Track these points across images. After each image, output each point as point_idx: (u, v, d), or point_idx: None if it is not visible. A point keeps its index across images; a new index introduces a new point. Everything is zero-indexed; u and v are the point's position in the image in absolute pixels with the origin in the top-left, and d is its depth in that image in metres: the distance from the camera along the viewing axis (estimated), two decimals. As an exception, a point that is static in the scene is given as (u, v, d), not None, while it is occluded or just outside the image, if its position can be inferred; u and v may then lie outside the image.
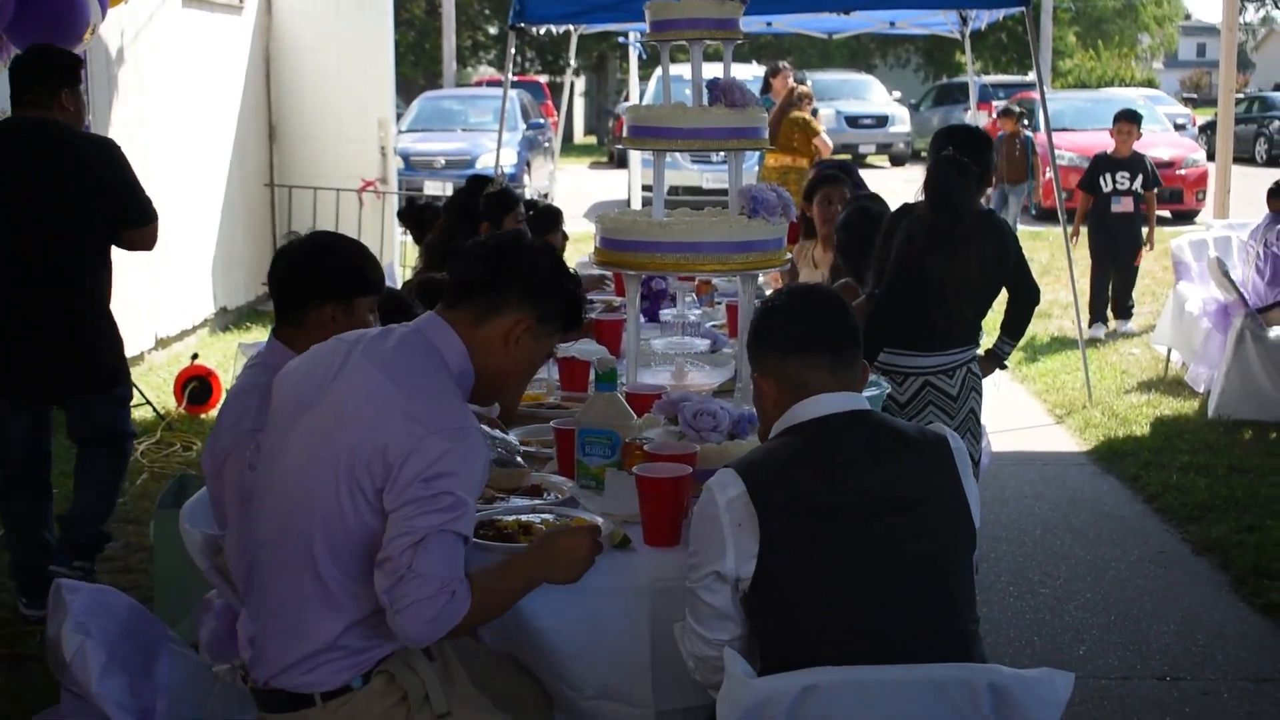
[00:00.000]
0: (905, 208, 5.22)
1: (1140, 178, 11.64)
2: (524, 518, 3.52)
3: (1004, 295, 5.52)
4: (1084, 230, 11.97)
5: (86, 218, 5.54)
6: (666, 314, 4.87)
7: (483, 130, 21.67)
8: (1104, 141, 19.57)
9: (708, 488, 2.94)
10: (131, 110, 9.82)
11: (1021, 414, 9.25)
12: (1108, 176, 11.63)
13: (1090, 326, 11.34)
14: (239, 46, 12.16)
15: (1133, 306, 11.97)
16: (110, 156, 5.66)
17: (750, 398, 4.43)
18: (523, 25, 10.57)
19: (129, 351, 9.70)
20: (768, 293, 6.55)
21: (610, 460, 3.68)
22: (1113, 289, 11.85)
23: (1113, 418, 8.89)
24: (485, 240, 3.24)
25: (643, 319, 6.07)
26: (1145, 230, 11.89)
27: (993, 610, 5.77)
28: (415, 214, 7.49)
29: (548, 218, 7.13)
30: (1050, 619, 5.72)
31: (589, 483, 3.71)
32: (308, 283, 3.70)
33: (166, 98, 10.52)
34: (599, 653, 3.30)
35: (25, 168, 5.45)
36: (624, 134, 4.53)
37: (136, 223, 5.74)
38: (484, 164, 19.23)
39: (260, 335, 10.39)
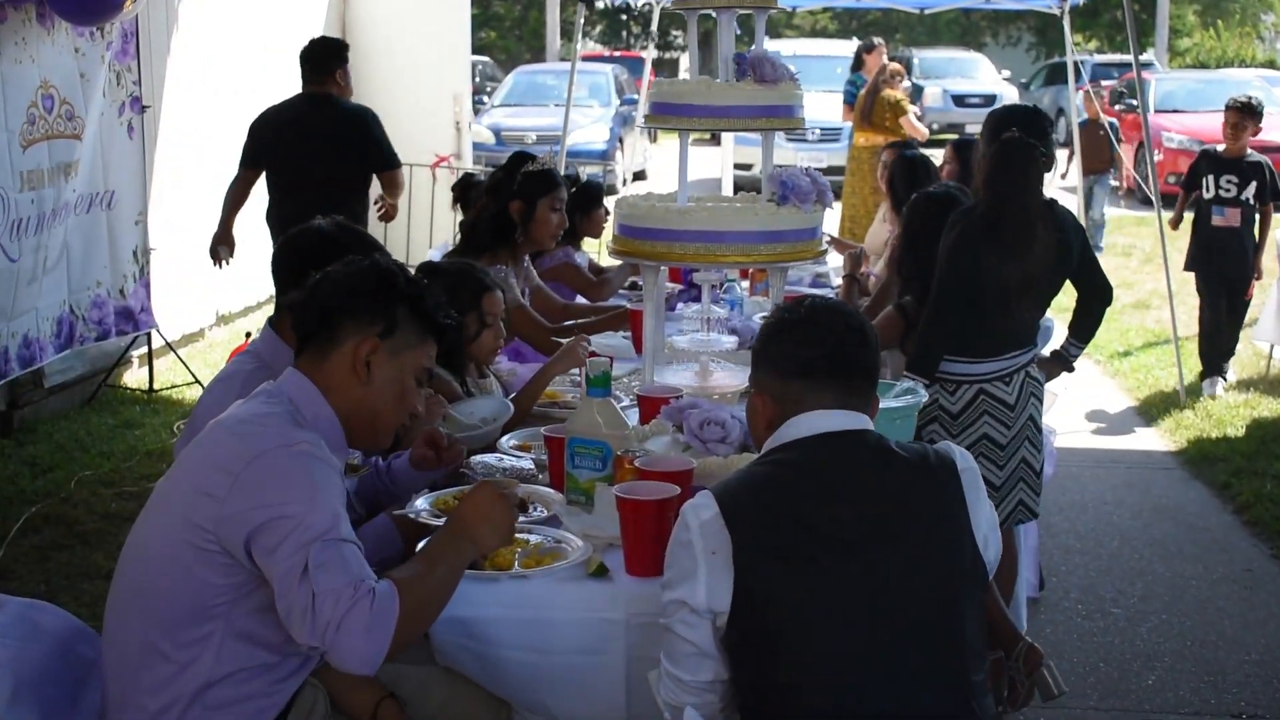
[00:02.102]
0: (968, 206, 4.74)
1: (1254, 185, 8.85)
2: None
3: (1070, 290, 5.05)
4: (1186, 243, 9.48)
5: (348, 165, 7.49)
6: (692, 309, 4.47)
7: (578, 106, 21.36)
8: (1215, 125, 18.94)
9: (683, 510, 2.64)
10: (196, 82, 9.58)
11: (1109, 410, 8.74)
12: (1210, 179, 8.95)
13: (1204, 380, 9.07)
14: (314, 19, 11.89)
15: (1229, 359, 9.23)
16: (366, 121, 7.62)
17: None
18: (593, -3, 10.15)
19: (189, 328, 9.64)
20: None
21: (601, 474, 3.32)
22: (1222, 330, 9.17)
23: (1206, 418, 8.34)
24: (309, 283, 2.96)
25: (681, 306, 5.69)
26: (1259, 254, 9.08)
27: (1058, 631, 5.34)
28: (465, 191, 7.15)
29: (588, 194, 6.73)
30: (1119, 643, 5.26)
31: (578, 498, 3.35)
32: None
33: (236, 70, 10.26)
34: (571, 688, 2.98)
35: (311, 129, 7.48)
36: (647, 112, 4.15)
37: (383, 169, 7.64)
38: (574, 141, 18.91)
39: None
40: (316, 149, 7.43)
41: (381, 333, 2.84)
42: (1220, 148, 9.09)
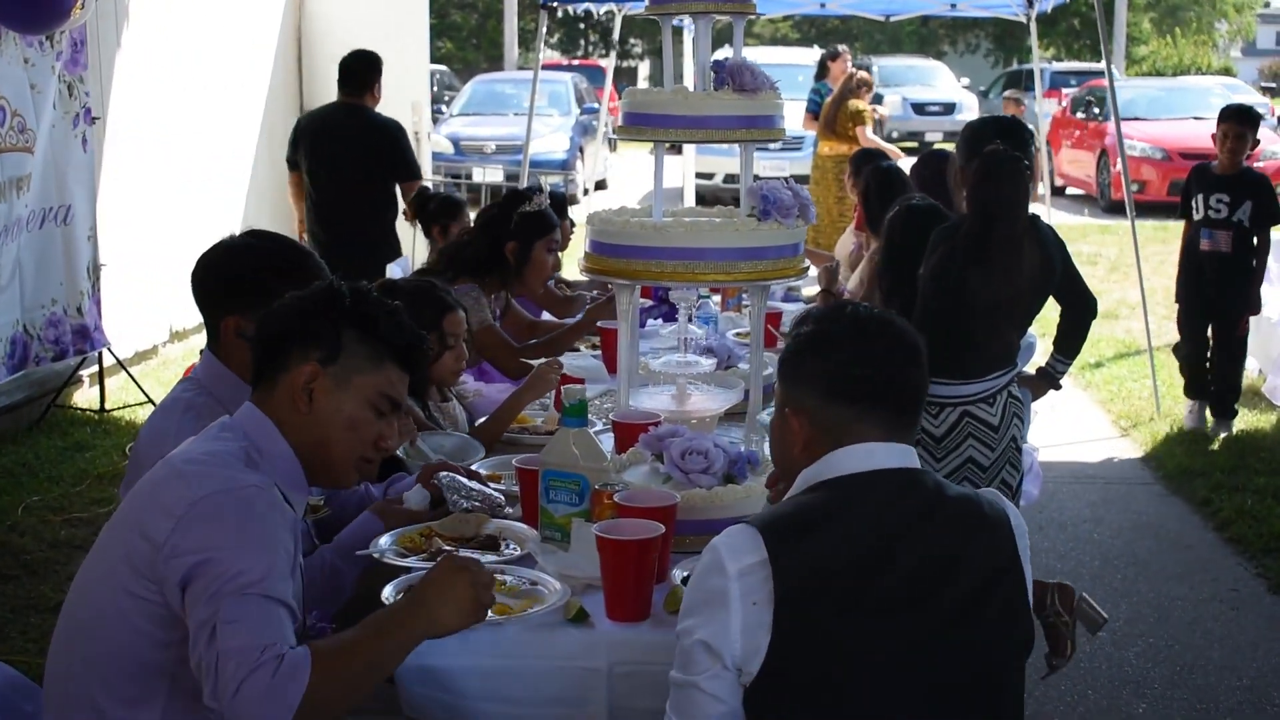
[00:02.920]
0: (955, 221, 4.56)
1: (1248, 205, 7.76)
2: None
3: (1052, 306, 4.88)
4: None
5: (380, 172, 8.26)
6: (668, 328, 4.27)
7: (538, 115, 21.14)
8: (1177, 133, 19.04)
9: (714, 549, 2.30)
10: (145, 92, 9.32)
11: (1084, 425, 8.59)
12: (1200, 199, 7.92)
13: (1191, 409, 8.32)
14: (269, 27, 11.65)
15: (1237, 399, 8.29)
16: (394, 134, 8.39)
17: (759, 428, 3.88)
18: (554, 4, 9.95)
19: (142, 344, 9.37)
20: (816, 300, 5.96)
21: (577, 509, 3.12)
22: (1213, 366, 8.18)
23: (1182, 431, 8.20)
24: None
25: (651, 323, 5.50)
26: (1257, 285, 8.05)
27: (1040, 656, 5.15)
28: (422, 204, 6.95)
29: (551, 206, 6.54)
30: (1107, 669, 5.10)
31: (553, 534, 3.15)
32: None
33: (187, 81, 10.02)
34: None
35: (344, 137, 8.25)
36: (619, 123, 3.96)
37: (406, 179, 8.28)
38: (535, 150, 18.69)
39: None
40: (352, 157, 8.24)
41: (323, 358, 2.62)
42: (1214, 163, 8.02)
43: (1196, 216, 7.95)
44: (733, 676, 2.26)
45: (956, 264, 4.35)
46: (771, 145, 19.84)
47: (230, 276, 3.23)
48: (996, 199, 4.33)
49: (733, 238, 3.70)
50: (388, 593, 2.83)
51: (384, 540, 3.15)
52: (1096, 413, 8.91)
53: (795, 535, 2.29)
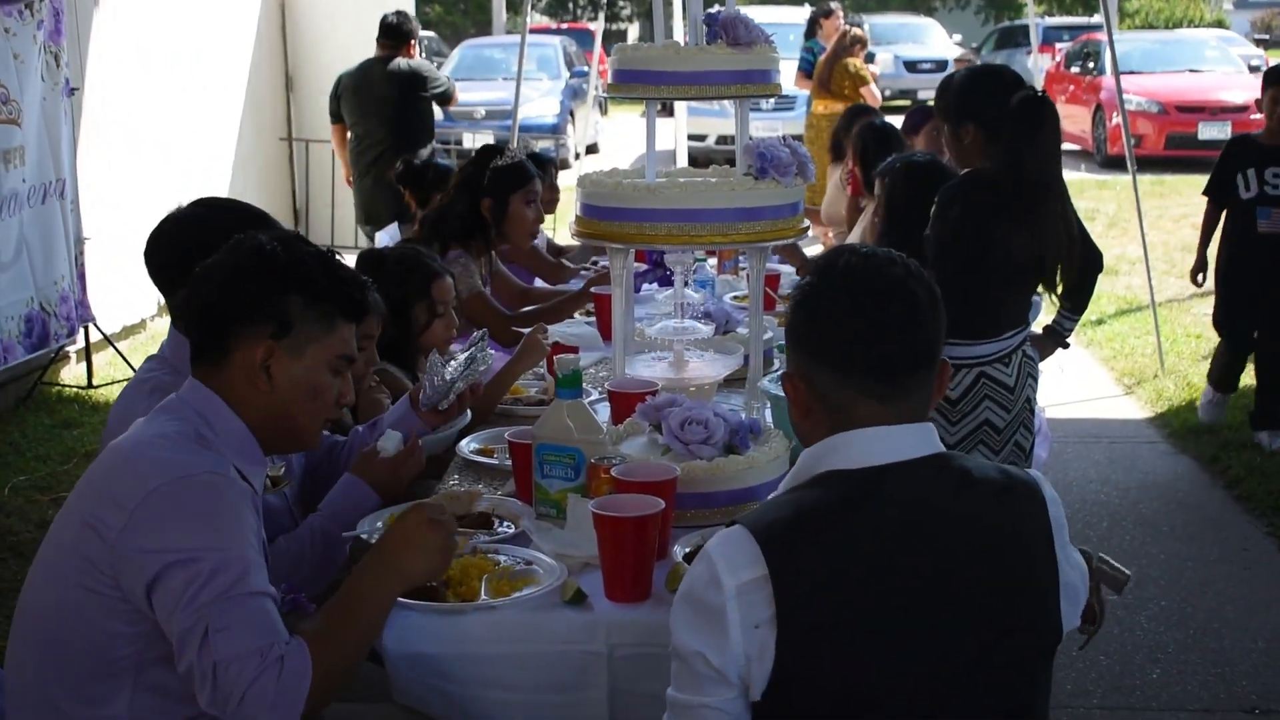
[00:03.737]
0: (971, 174, 4.37)
1: None
2: (464, 554, 2.82)
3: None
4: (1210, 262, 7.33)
5: (410, 117, 9.25)
6: (663, 293, 4.12)
7: (527, 79, 20.94)
8: (1173, 86, 18.84)
9: (709, 559, 2.06)
10: (123, 60, 9.14)
11: (1087, 383, 8.46)
12: (1251, 174, 6.87)
13: (1213, 399, 7.38)
14: (249, -9, 11.49)
15: None
16: (428, 73, 9.44)
17: (759, 395, 3.75)
18: (541, -35, 9.80)
19: (130, 319, 9.22)
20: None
21: (573, 484, 2.99)
22: (1258, 368, 7.14)
23: (1187, 388, 8.07)
24: (190, 281, 2.59)
25: (646, 288, 5.36)
26: None
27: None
28: (414, 175, 6.77)
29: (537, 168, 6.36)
30: (1119, 634, 4.98)
31: (549, 510, 3.02)
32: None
33: (166, 48, 9.84)
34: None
35: (384, 86, 9.16)
36: (609, 80, 3.81)
37: (444, 102, 9.65)
38: (525, 114, 18.49)
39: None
40: (391, 106, 9.16)
41: (275, 332, 2.48)
42: (1256, 134, 7.13)
43: (1246, 194, 6.89)
44: (738, 692, 2.04)
45: (978, 217, 4.16)
46: (764, 105, 19.69)
47: (182, 249, 3.07)
48: (1046, 149, 4.17)
49: (729, 198, 3.56)
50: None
51: (371, 521, 3.02)
52: (1099, 370, 8.78)
53: (799, 544, 2.04)
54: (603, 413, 3.74)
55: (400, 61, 9.24)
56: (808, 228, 3.86)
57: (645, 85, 3.66)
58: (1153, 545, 5.85)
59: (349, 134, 9.44)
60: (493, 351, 3.60)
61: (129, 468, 2.35)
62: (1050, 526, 2.16)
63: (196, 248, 3.02)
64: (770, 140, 3.69)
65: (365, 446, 3.27)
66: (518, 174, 5.37)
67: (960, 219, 4.19)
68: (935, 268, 4.20)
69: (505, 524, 3.06)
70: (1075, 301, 4.78)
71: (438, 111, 18.81)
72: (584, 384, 4.20)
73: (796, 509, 2.11)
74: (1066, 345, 4.89)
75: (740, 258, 5.79)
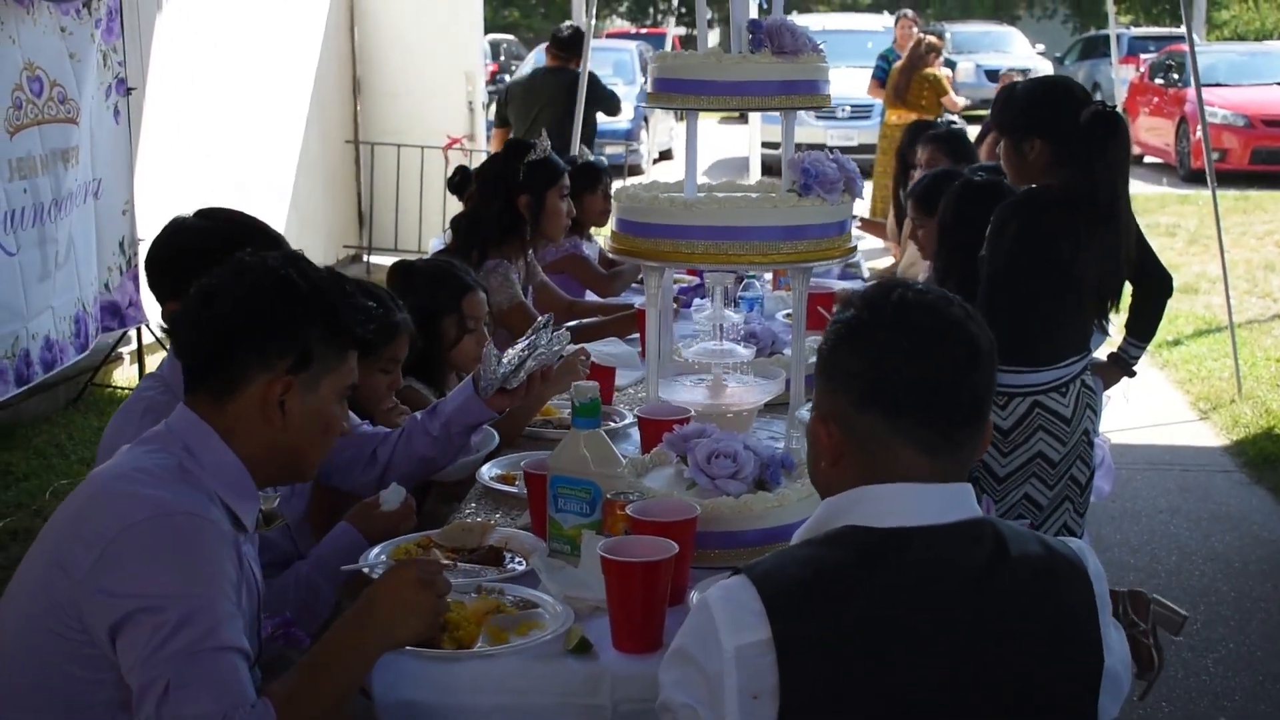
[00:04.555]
0: (1032, 191, 4.13)
1: None
2: (470, 595, 2.65)
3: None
4: None
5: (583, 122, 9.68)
6: (701, 313, 3.90)
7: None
8: (1261, 99, 18.30)
9: (707, 611, 1.88)
10: (184, 62, 9.06)
11: (1160, 407, 8.15)
12: None
13: None
14: (319, -5, 11.40)
15: None
16: (591, 85, 9.78)
17: (799, 424, 3.54)
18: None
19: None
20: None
21: (588, 520, 2.81)
22: None
23: (1265, 414, 7.76)
24: (190, 295, 2.40)
25: (697, 303, 5.15)
26: None
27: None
28: (467, 183, 6.61)
29: (584, 175, 6.16)
30: (1183, 676, 4.72)
31: (562, 546, 2.84)
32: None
33: (228, 50, 9.75)
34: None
35: (552, 94, 9.75)
36: (648, 89, 3.62)
37: (611, 111, 10.41)
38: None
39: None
40: (559, 113, 9.53)
41: (293, 366, 2.31)
42: None
43: None
44: None
45: (1041, 234, 3.92)
46: (840, 114, 19.41)
47: (184, 259, 2.92)
48: (1116, 167, 3.95)
49: (770, 215, 3.37)
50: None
51: (375, 552, 2.85)
52: (1173, 394, 8.48)
53: (809, 608, 1.85)
54: (635, 439, 3.57)
55: (570, 71, 9.82)
56: (854, 248, 3.65)
57: (684, 95, 3.47)
58: (1223, 582, 5.58)
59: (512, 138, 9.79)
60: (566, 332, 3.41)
61: (102, 503, 2.20)
62: (1095, 606, 1.95)
63: (199, 257, 2.87)
64: (816, 154, 3.49)
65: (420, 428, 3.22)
66: (552, 169, 5.22)
67: (1017, 239, 3.96)
68: (988, 290, 4.01)
69: (516, 560, 2.88)
70: (1142, 329, 4.54)
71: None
72: (621, 406, 4.05)
73: (809, 566, 1.91)
74: (1133, 374, 4.64)
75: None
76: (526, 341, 3.26)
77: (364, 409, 3.55)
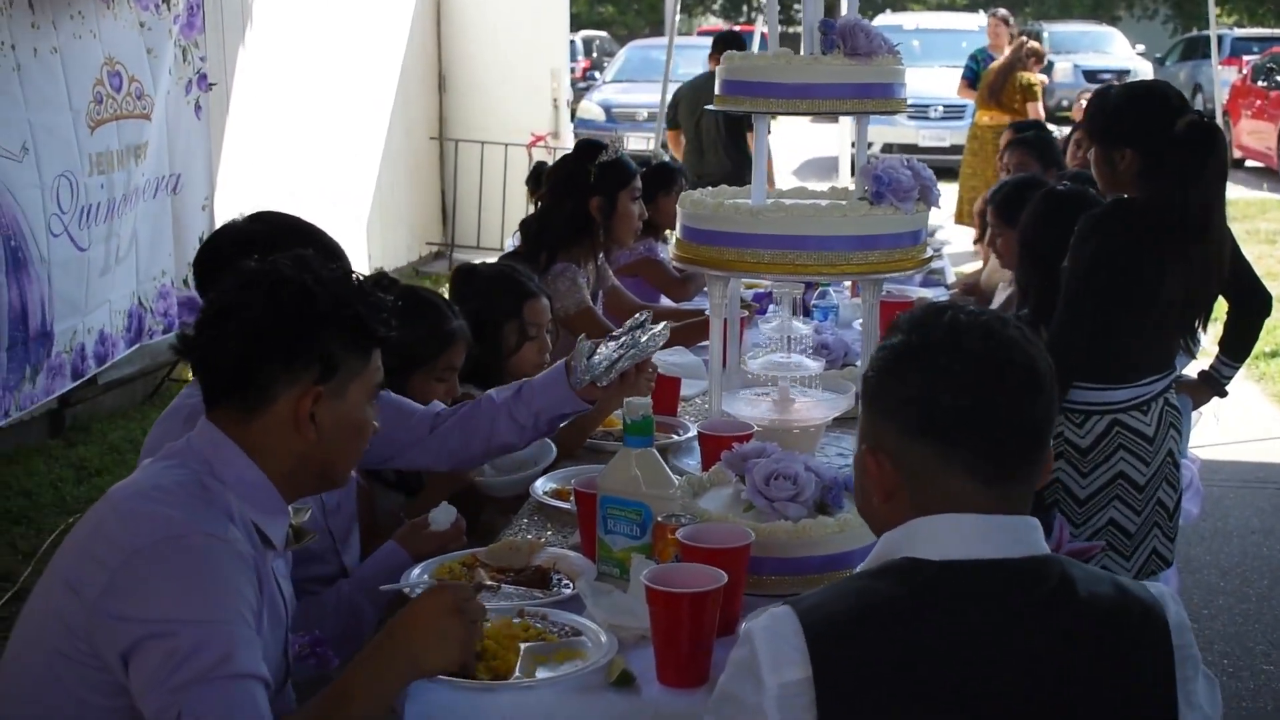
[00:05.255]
0: (1119, 203, 3.94)
1: None
2: (513, 619, 2.54)
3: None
4: None
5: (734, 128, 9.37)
6: (768, 324, 3.76)
7: (691, 81, 20.68)
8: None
9: (751, 643, 1.78)
10: (270, 60, 9.05)
11: (1254, 421, 7.88)
12: None
13: None
14: (405, -8, 11.38)
15: None
16: None
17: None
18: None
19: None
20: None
21: (638, 543, 2.69)
22: None
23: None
24: (204, 310, 2.31)
25: (772, 309, 4.97)
26: None
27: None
28: (542, 182, 6.52)
29: (660, 176, 6.01)
30: (1274, 711, 4.52)
31: (611, 569, 2.72)
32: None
33: (316, 39, 9.74)
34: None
35: (711, 98, 9.10)
36: (716, 91, 3.50)
37: None
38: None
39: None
40: (719, 117, 9.22)
41: (320, 377, 2.22)
42: None
43: None
44: None
45: (1132, 255, 3.73)
46: (932, 114, 19.19)
47: (233, 263, 2.84)
48: (1213, 182, 3.75)
49: (840, 224, 3.24)
50: None
51: (417, 572, 2.75)
52: (1269, 408, 8.20)
53: (853, 644, 1.74)
54: (696, 453, 3.45)
55: None
56: (930, 258, 3.50)
57: (752, 98, 3.35)
58: (1318, 609, 5.36)
59: (683, 139, 9.89)
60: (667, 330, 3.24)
61: (116, 522, 2.11)
62: (1172, 659, 1.80)
63: (240, 257, 2.79)
64: (890, 161, 3.35)
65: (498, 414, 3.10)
66: (624, 170, 5.05)
67: (1101, 251, 3.76)
68: (1066, 304, 3.83)
69: (564, 582, 2.77)
70: (1237, 348, 4.34)
71: (600, 112, 18.98)
72: (685, 418, 3.92)
73: (857, 600, 1.80)
74: (1224, 394, 4.44)
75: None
76: (624, 338, 3.13)
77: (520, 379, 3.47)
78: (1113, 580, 1.86)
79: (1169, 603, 1.86)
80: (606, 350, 3.10)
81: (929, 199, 3.38)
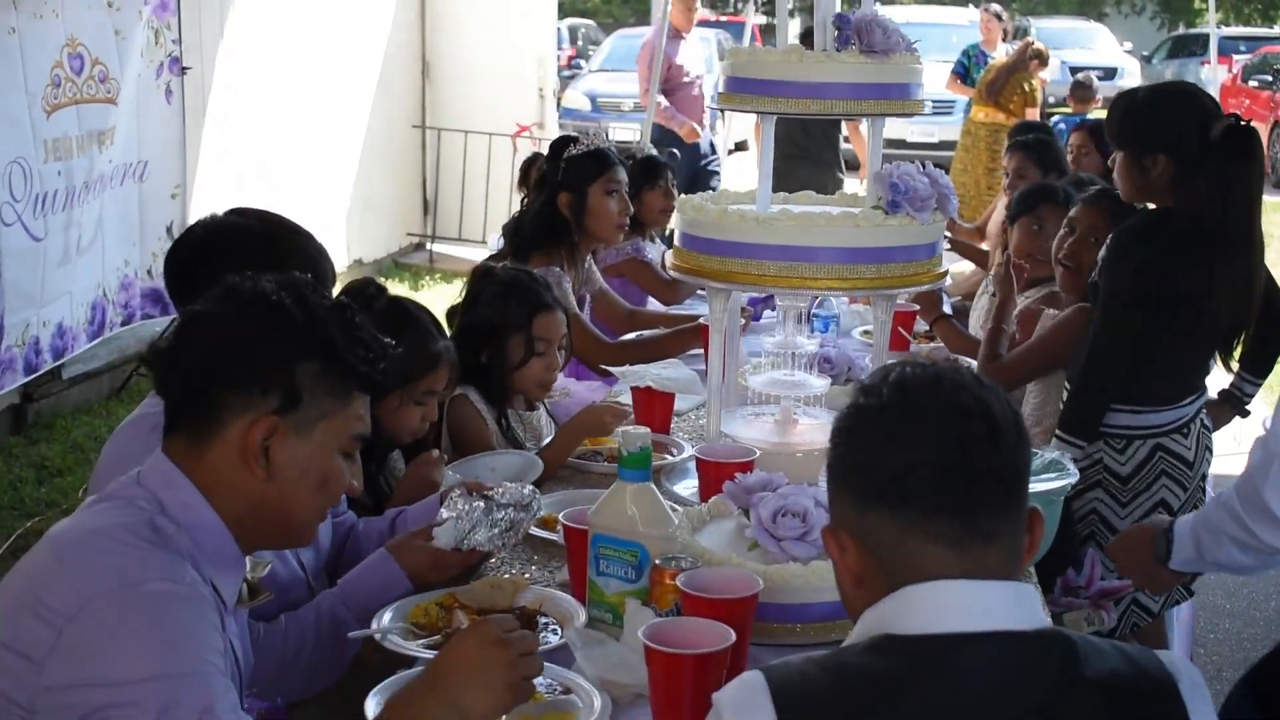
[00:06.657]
0: (1158, 213, 3.72)
1: None
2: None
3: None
4: None
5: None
6: (770, 339, 3.50)
7: (677, 72, 20.46)
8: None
9: (717, 713, 1.64)
10: (249, 46, 8.79)
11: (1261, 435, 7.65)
12: None
13: None
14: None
15: None
16: None
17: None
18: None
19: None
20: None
21: (634, 587, 2.44)
22: None
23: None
24: (175, 320, 2.08)
25: (768, 315, 4.74)
26: None
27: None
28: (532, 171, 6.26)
29: (644, 170, 5.70)
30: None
31: (603, 615, 2.48)
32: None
33: (296, 26, 9.47)
34: None
35: None
36: (719, 89, 3.26)
37: None
38: (672, 108, 18.05)
39: (403, 292, 9.28)
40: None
41: (280, 407, 1.97)
42: None
43: None
44: None
45: (1174, 270, 3.50)
46: (927, 106, 19.28)
47: (204, 253, 2.62)
48: (1253, 188, 3.54)
49: (852, 235, 3.01)
50: (370, 706, 2.13)
51: (389, 616, 2.49)
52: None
53: None
54: (693, 478, 3.21)
55: None
56: (945, 272, 3.27)
57: (760, 97, 3.12)
58: (1332, 636, 5.15)
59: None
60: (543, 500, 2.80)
61: (62, 573, 1.85)
62: (1186, 711, 1.62)
63: (221, 253, 2.54)
64: (907, 167, 3.11)
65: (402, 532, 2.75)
66: (594, 162, 4.71)
67: (1144, 263, 3.52)
68: (1107, 322, 3.59)
69: (552, 626, 2.51)
70: (1258, 363, 4.13)
71: (585, 102, 18.78)
72: (680, 436, 3.67)
73: (834, 675, 1.62)
74: (1246, 414, 4.23)
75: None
76: (503, 514, 2.66)
77: (394, 441, 3.21)
78: (1120, 652, 1.67)
79: (1181, 670, 1.68)
80: (473, 512, 2.63)
81: (946, 209, 3.15)
